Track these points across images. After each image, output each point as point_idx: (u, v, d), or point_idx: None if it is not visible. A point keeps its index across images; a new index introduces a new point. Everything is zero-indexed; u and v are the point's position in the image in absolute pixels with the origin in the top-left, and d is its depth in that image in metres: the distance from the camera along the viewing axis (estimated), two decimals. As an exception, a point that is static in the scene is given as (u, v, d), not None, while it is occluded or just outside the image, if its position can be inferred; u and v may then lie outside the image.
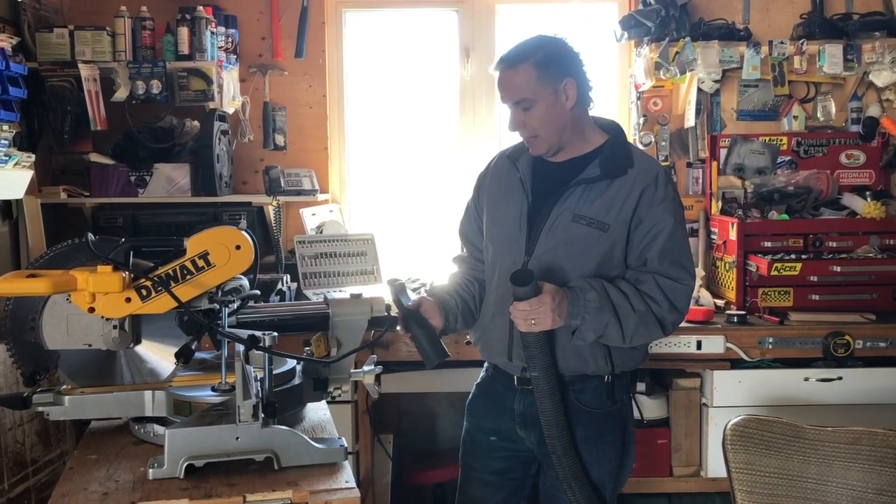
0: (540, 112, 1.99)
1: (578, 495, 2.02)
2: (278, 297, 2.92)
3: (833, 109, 3.44)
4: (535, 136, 2.03)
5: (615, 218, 1.98)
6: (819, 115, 3.45)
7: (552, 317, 1.90)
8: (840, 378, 2.85)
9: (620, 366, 2.07)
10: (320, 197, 3.46)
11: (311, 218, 3.39)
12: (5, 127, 2.62)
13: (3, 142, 2.56)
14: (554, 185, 2.05)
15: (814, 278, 2.96)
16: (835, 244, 3.05)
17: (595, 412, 2.08)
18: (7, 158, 2.60)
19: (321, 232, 3.37)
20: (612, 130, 2.11)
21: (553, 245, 2.02)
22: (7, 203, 2.98)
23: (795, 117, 3.47)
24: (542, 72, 1.98)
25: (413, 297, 2.12)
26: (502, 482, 2.20)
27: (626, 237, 2.00)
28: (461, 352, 2.72)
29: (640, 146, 3.52)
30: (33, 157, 2.79)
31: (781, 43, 3.28)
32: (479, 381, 2.27)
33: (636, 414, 2.98)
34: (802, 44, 3.26)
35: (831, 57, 3.19)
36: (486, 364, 2.25)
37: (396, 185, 3.73)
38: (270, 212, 3.33)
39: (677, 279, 1.98)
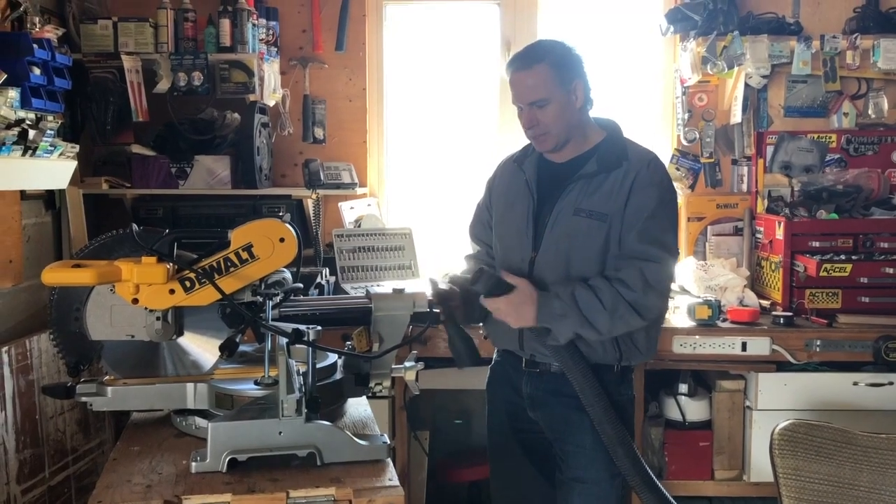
0: (553, 110, 2.07)
1: (623, 460, 2.04)
2: (317, 290, 2.91)
3: (885, 106, 3.34)
4: (546, 133, 2.10)
5: (612, 207, 2.05)
6: (871, 112, 3.35)
7: (512, 317, 2.03)
8: (891, 383, 2.78)
9: (628, 356, 2.11)
10: (359, 191, 3.44)
11: (350, 212, 3.38)
12: (50, 117, 2.63)
13: (48, 132, 2.57)
14: (557, 183, 2.13)
15: (864, 280, 2.88)
16: (886, 245, 2.96)
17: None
18: (52, 149, 2.61)
19: (359, 226, 3.36)
20: (609, 127, 2.19)
21: (557, 239, 2.09)
22: (50, 193, 3.00)
23: (846, 114, 3.37)
24: (557, 72, 2.07)
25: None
26: (527, 460, 2.25)
27: (620, 223, 2.06)
28: (500, 349, 2.68)
29: (685, 142, 3.46)
30: (77, 147, 2.80)
31: (834, 37, 3.20)
32: (492, 364, 2.35)
33: (678, 416, 2.95)
34: (856, 38, 3.18)
35: (886, 52, 3.10)
36: (496, 349, 2.33)
37: (435, 179, 3.70)
38: (309, 205, 3.32)
39: (655, 259, 2.02)
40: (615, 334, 2.05)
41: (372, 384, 1.80)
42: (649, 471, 2.09)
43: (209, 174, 3.23)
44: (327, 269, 3.09)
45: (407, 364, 1.81)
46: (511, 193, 2.23)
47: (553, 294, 2.02)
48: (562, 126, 2.09)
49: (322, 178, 3.28)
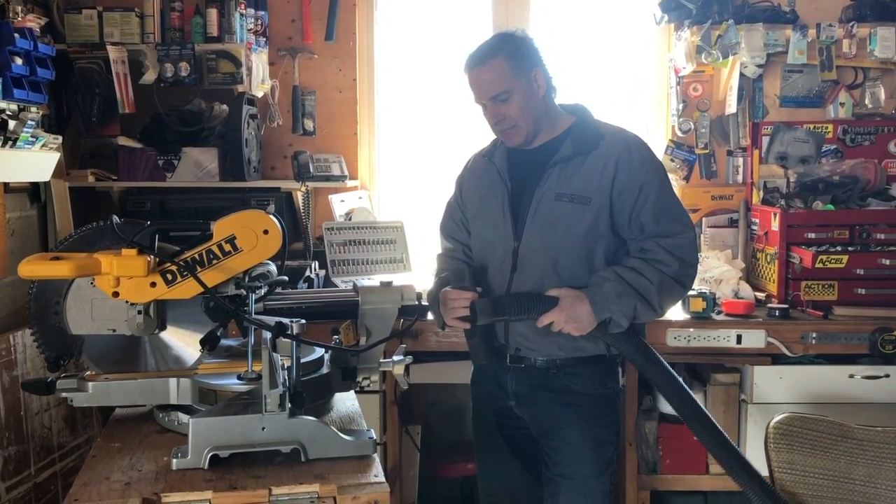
0: (517, 102, 2.05)
1: (699, 430, 2.09)
2: (306, 283, 2.86)
3: (882, 96, 3.31)
4: (514, 126, 2.08)
5: (595, 190, 2.03)
6: (867, 101, 3.32)
7: (571, 325, 1.98)
8: (887, 376, 2.75)
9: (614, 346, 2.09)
10: (349, 183, 3.41)
11: (340, 204, 3.34)
12: (33, 109, 2.59)
13: (30, 122, 2.52)
14: (531, 170, 2.10)
15: (860, 271, 2.85)
16: (883, 236, 2.94)
17: (588, 395, 2.10)
18: (34, 140, 2.57)
19: (350, 219, 3.32)
20: (578, 112, 2.16)
21: (539, 227, 2.06)
22: (35, 186, 2.96)
23: (842, 104, 3.34)
24: (514, 63, 2.04)
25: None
26: (513, 457, 2.23)
27: (609, 206, 2.03)
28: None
29: (679, 133, 3.42)
30: (60, 139, 2.76)
31: (830, 26, 3.17)
32: None
33: (672, 409, 2.91)
34: (852, 27, 3.14)
35: (883, 40, 3.07)
36: None
37: (427, 171, 3.66)
38: (299, 198, 3.28)
39: (677, 234, 2.02)
40: (666, 309, 2.06)
41: (359, 378, 1.76)
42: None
43: (197, 166, 3.19)
44: (317, 263, 3.05)
45: (395, 358, 1.77)
46: (483, 187, 2.19)
47: (598, 281, 1.99)
48: (528, 117, 2.06)
49: (312, 170, 3.24)
